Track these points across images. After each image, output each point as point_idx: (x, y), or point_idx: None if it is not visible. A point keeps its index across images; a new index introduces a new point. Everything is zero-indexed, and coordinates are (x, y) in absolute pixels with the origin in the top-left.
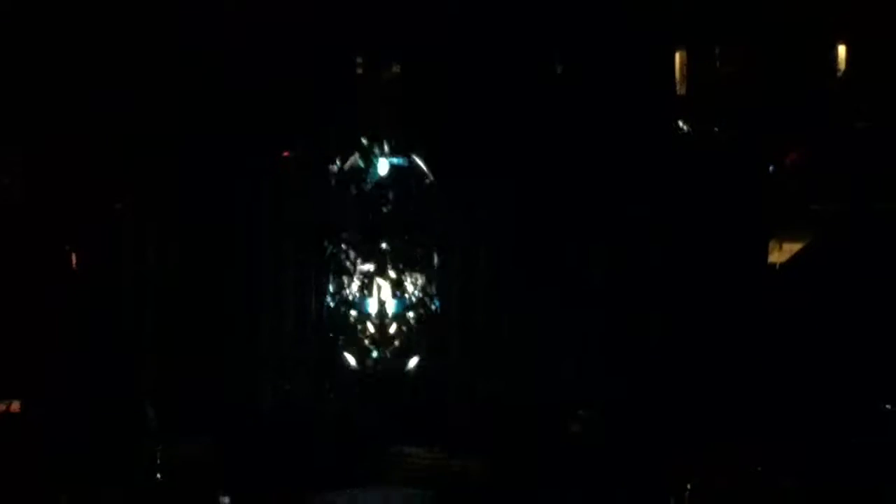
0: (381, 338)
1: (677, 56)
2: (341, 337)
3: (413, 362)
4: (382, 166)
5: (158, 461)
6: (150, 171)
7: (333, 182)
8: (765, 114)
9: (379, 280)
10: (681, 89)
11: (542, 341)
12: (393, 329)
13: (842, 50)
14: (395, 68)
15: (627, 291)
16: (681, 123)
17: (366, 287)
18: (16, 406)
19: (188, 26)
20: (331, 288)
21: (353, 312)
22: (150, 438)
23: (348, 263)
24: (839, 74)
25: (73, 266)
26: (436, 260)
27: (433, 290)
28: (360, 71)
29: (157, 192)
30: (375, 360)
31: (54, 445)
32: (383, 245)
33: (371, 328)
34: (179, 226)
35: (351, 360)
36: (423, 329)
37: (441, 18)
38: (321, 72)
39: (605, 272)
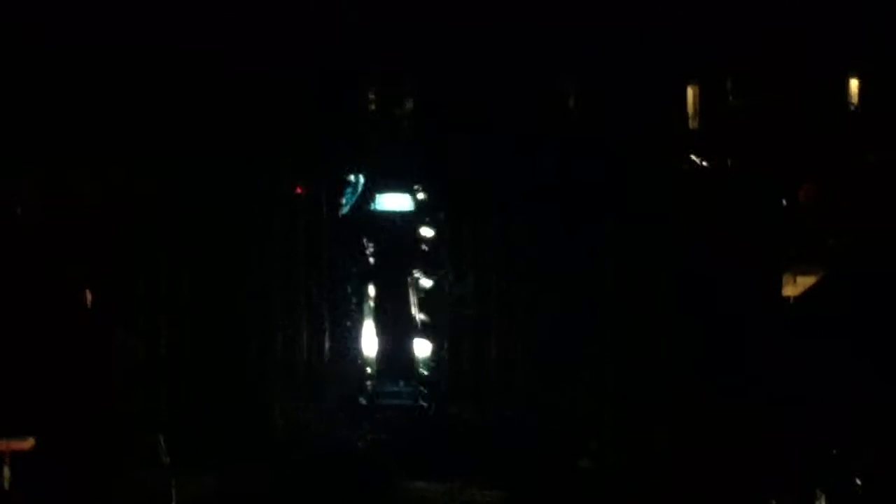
0: (397, 370)
1: (690, 90)
2: (354, 370)
3: (429, 395)
4: (395, 201)
5: (172, 494)
6: (164, 204)
7: (346, 216)
8: (778, 147)
9: (391, 311)
10: (693, 123)
11: (557, 375)
12: (408, 361)
13: (854, 84)
14: (409, 104)
15: (641, 325)
16: (694, 157)
17: (377, 319)
18: (30, 443)
19: (209, 67)
20: (343, 320)
21: (366, 345)
22: (163, 472)
23: (360, 296)
24: (852, 108)
25: (88, 301)
26: (447, 289)
27: (445, 319)
28: (372, 107)
29: (171, 226)
30: (389, 393)
31: (69, 481)
32: (394, 277)
33: (385, 361)
34: (193, 262)
35: (365, 393)
36: (439, 360)
37: (454, 55)
38: (335, 107)
39: (619, 308)
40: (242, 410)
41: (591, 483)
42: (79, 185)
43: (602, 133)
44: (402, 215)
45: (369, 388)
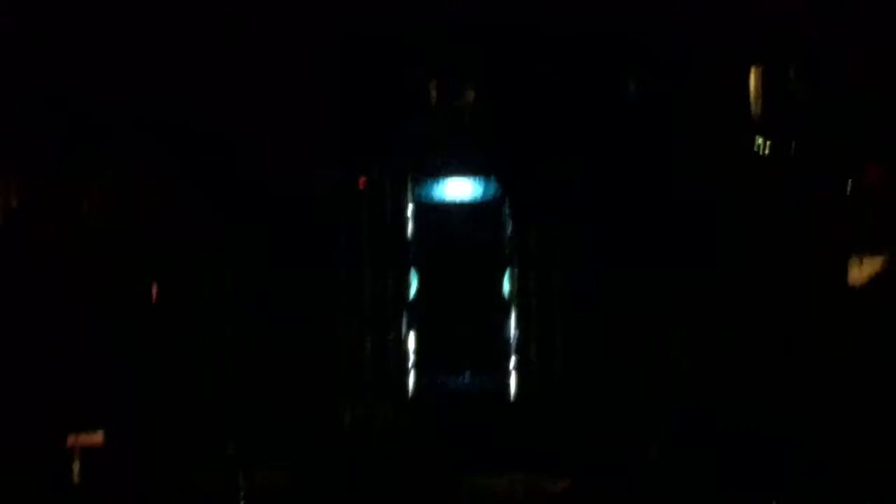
0: (462, 361)
1: (752, 73)
2: (422, 361)
3: (494, 383)
4: (456, 189)
5: (240, 488)
6: (228, 204)
7: (410, 205)
8: (843, 130)
9: (457, 300)
10: (756, 107)
11: (617, 363)
12: (475, 351)
13: None
14: (470, 93)
15: (703, 310)
16: (758, 140)
17: (443, 308)
18: (99, 438)
19: (267, 57)
20: (409, 311)
21: (431, 335)
22: (230, 465)
23: (426, 285)
24: None
25: (154, 296)
26: (507, 281)
27: (512, 309)
28: (433, 96)
29: (233, 223)
30: (454, 383)
31: (138, 476)
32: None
33: (451, 350)
34: (257, 254)
35: (432, 383)
36: (504, 350)
37: (515, 42)
38: (395, 97)
39: (679, 290)
40: (308, 404)
41: (660, 473)
42: (141, 180)
43: (663, 117)
44: (467, 205)
45: (439, 378)
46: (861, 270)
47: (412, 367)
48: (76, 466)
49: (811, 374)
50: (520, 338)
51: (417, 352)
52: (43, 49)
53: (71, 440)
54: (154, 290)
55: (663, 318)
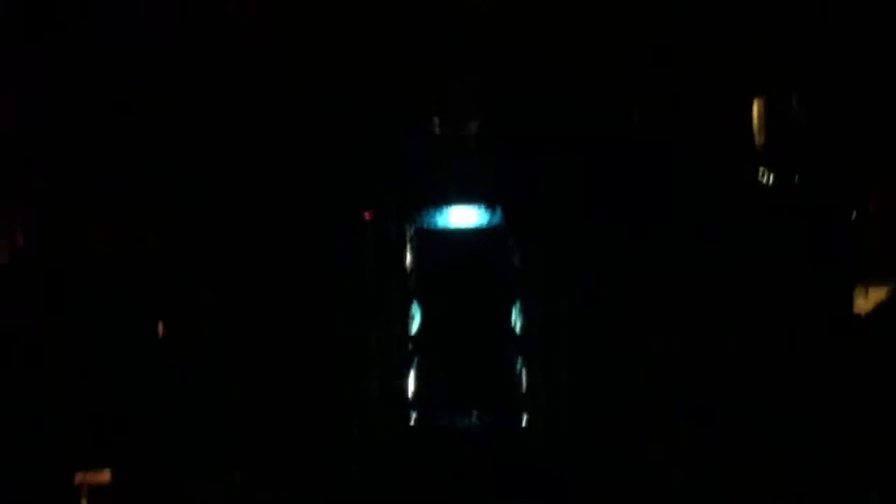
0: (472, 394)
1: (755, 105)
2: (431, 396)
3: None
4: (461, 218)
5: None
6: (234, 237)
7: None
8: (846, 160)
9: (463, 332)
10: (759, 138)
11: (624, 388)
12: (483, 385)
13: None
14: (473, 127)
15: (709, 339)
16: (761, 172)
17: (448, 339)
18: (106, 476)
19: (277, 97)
20: (415, 341)
21: (439, 368)
22: (237, 494)
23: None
24: None
25: (161, 335)
26: (514, 315)
27: (519, 341)
28: (437, 130)
29: (238, 253)
30: (467, 418)
31: None
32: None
33: (460, 383)
34: (263, 286)
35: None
36: (511, 383)
37: (519, 76)
38: (398, 132)
39: (687, 321)
40: (313, 435)
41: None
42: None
43: (666, 150)
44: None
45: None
46: (867, 300)
47: (415, 400)
48: None
49: (817, 405)
50: (528, 372)
51: (421, 384)
52: (47, 86)
53: (79, 478)
54: (160, 326)
55: (669, 344)
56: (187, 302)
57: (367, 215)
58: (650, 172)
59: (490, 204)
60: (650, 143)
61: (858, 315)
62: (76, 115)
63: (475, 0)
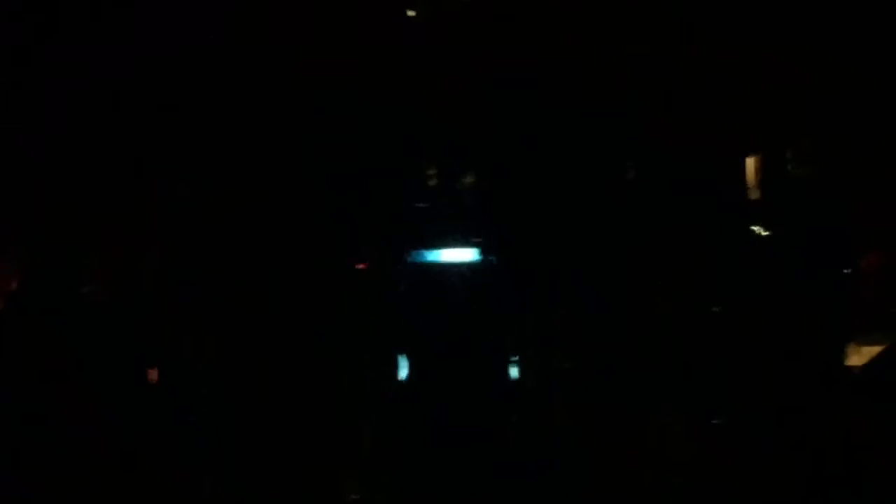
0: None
1: (749, 162)
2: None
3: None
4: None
5: None
6: (232, 283)
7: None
8: (839, 217)
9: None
10: (753, 194)
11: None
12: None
13: None
14: (469, 178)
15: (707, 397)
16: (755, 228)
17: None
18: None
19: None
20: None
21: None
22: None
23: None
24: None
25: (156, 377)
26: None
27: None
28: (432, 181)
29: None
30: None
31: None
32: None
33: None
34: (257, 331)
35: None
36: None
37: (514, 127)
38: (392, 183)
39: (682, 374)
40: (307, 474)
41: None
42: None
43: (660, 202)
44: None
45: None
46: (860, 358)
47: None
48: None
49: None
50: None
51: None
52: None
53: None
54: (155, 371)
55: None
56: (183, 341)
57: (361, 267)
58: (643, 223)
59: (482, 252)
60: (643, 196)
61: (851, 368)
62: (77, 121)
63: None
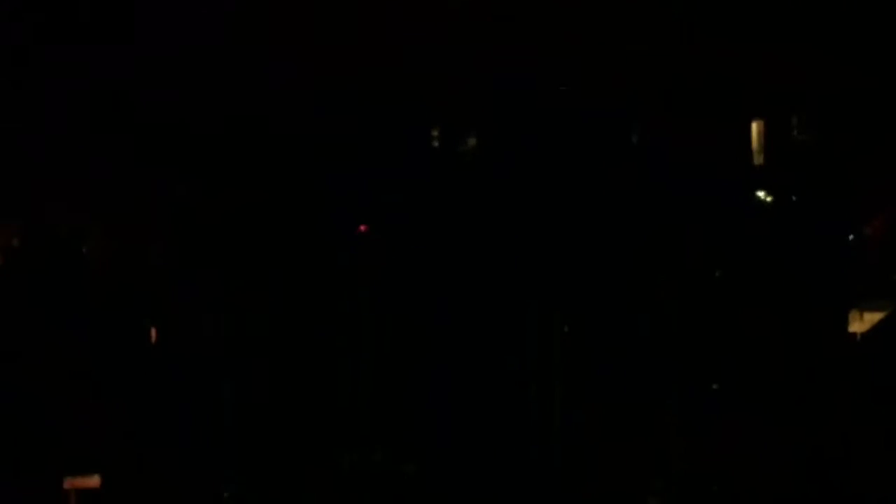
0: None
1: (754, 126)
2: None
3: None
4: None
5: None
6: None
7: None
8: (844, 183)
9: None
10: (758, 159)
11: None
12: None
13: None
14: (472, 141)
15: (709, 361)
16: (760, 193)
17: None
18: (95, 481)
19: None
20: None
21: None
22: None
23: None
24: None
25: (153, 340)
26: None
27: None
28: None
29: (233, 267)
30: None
31: None
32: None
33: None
34: (256, 300)
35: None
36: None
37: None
38: (396, 146)
39: (681, 338)
40: (305, 449)
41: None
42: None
43: (664, 169)
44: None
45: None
46: (862, 325)
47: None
48: None
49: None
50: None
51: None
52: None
53: (68, 483)
54: (153, 332)
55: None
56: (181, 311)
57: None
58: (647, 190)
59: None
60: (648, 163)
61: (854, 335)
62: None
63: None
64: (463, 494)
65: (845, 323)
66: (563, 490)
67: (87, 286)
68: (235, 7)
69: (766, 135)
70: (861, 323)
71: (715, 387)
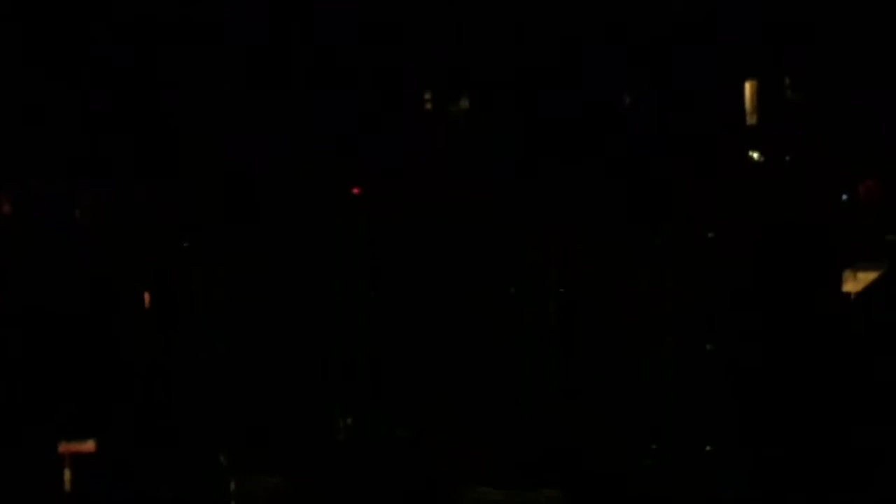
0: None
1: (747, 86)
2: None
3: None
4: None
5: (232, 496)
6: (222, 211)
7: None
8: (837, 143)
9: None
10: (751, 119)
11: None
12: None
13: None
14: (464, 102)
15: (704, 323)
16: (753, 153)
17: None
18: (90, 446)
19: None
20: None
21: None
22: (222, 475)
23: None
24: None
25: (146, 306)
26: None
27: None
28: (428, 105)
29: (227, 230)
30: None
31: (129, 483)
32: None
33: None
34: (250, 265)
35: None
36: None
37: (514, 53)
38: (391, 107)
39: (678, 301)
40: (302, 413)
41: (653, 482)
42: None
43: (657, 130)
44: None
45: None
46: (856, 284)
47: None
48: (67, 474)
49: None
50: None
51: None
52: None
53: (63, 448)
54: (147, 296)
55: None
56: (173, 277)
57: (355, 191)
58: (641, 153)
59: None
60: (642, 124)
61: (848, 295)
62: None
63: None
64: (457, 459)
65: (839, 282)
66: (556, 452)
67: (82, 250)
68: None
69: (759, 95)
70: (855, 282)
71: (709, 347)
